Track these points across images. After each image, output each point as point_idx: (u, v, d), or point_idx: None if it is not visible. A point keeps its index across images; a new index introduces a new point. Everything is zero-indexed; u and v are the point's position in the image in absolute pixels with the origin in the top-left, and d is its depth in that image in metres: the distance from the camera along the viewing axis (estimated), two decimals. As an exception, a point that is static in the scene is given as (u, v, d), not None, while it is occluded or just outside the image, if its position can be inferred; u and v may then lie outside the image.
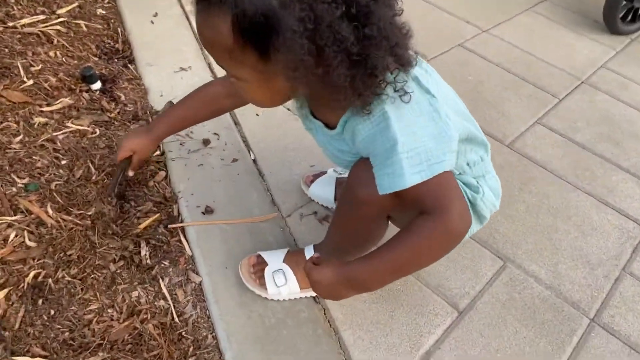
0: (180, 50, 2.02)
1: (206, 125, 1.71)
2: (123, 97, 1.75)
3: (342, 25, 0.76)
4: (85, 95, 1.71)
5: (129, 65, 1.91)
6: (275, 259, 1.30)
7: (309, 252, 1.29)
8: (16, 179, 1.39)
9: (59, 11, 2.04)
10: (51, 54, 1.81)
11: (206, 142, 1.66)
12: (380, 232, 1.18)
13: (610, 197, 1.82)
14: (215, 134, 1.70)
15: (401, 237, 0.92)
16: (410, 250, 0.91)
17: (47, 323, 1.17)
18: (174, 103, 1.43)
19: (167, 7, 2.26)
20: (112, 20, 2.10)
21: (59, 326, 1.17)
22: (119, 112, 1.70)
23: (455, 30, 2.62)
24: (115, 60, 1.93)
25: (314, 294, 1.31)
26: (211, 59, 2.02)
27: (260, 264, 1.31)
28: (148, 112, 1.73)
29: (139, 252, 1.35)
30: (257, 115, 1.82)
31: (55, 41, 1.87)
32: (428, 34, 2.54)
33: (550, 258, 1.56)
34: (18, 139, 1.49)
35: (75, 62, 1.84)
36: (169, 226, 1.41)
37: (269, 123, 1.79)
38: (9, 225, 1.30)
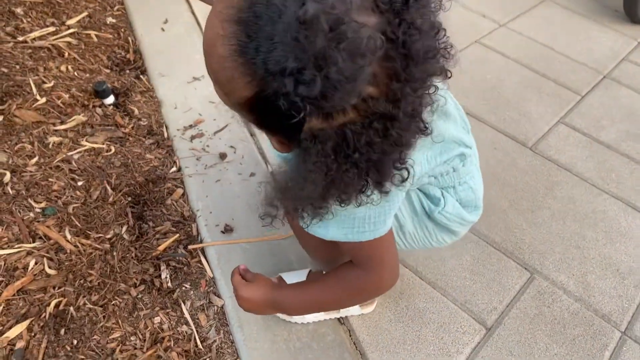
0: (193, 59, 1.99)
1: (222, 139, 1.68)
2: (137, 111, 1.73)
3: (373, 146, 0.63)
4: (99, 110, 1.69)
5: (141, 76, 1.88)
6: (297, 280, 1.28)
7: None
8: (33, 203, 1.37)
9: (69, 22, 2.01)
10: (62, 68, 1.78)
11: (223, 156, 1.63)
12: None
13: (638, 199, 1.76)
14: (231, 147, 1.67)
15: (330, 281, 0.98)
16: (334, 296, 0.98)
17: (71, 354, 1.16)
18: None
19: (178, 13, 2.22)
20: (123, 29, 2.07)
21: (82, 356, 1.16)
22: (133, 127, 1.67)
23: (471, 25, 2.56)
24: (127, 71, 1.90)
25: (338, 316, 1.29)
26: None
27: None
28: (164, 127, 1.70)
29: (160, 275, 1.33)
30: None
31: (66, 54, 1.85)
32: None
33: (578, 268, 1.52)
34: (34, 160, 1.47)
35: (87, 75, 1.81)
36: (189, 247, 1.39)
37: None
38: (29, 253, 1.28)
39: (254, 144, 1.71)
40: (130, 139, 1.64)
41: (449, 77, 0.68)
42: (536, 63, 2.35)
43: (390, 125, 0.60)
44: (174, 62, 1.96)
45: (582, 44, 2.56)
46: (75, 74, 1.80)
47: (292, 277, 1.29)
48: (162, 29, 2.10)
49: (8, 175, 1.40)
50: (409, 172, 0.69)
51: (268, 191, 0.78)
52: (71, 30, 1.96)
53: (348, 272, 0.95)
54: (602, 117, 2.11)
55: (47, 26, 1.95)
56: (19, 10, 1.96)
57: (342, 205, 0.71)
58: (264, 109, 0.59)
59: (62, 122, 1.60)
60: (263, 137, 1.73)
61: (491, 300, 1.40)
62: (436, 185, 1.04)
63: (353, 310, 1.29)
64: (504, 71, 2.27)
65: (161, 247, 1.37)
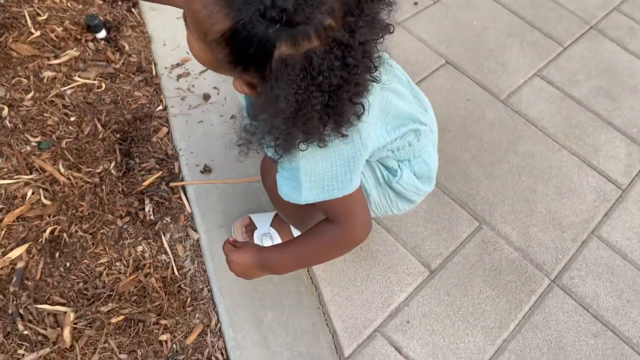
0: (184, -8, 2.03)
1: (206, 79, 1.79)
2: (127, 47, 1.81)
3: (336, 73, 0.74)
4: (91, 45, 1.78)
5: (132, 9, 1.94)
6: (263, 223, 1.44)
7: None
8: (30, 137, 1.51)
9: (62, -54, 2.03)
10: (56, -2, 1.85)
11: (206, 97, 1.74)
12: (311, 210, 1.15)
13: (595, 157, 1.89)
14: (215, 87, 1.77)
15: (308, 237, 1.08)
16: (313, 250, 1.08)
17: (64, 274, 1.35)
18: None
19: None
20: (116, -45, 2.09)
21: (74, 277, 1.35)
22: (123, 63, 1.77)
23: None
24: (120, 3, 1.96)
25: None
26: None
27: (251, 226, 1.45)
28: (152, 64, 1.80)
29: (143, 209, 1.49)
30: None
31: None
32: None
33: (523, 220, 1.68)
34: (29, 95, 1.59)
35: (80, 6, 1.88)
36: (170, 184, 1.54)
37: (268, 75, 1.85)
38: (26, 184, 1.44)
39: (237, 86, 1.81)
40: (121, 75, 1.74)
41: (392, 32, 0.80)
42: (525, 9, 2.37)
43: (347, 53, 0.72)
44: (165, -5, 2.01)
45: (576, -10, 2.55)
46: (69, 4, 1.86)
47: (261, 218, 1.46)
48: (155, -42, 2.12)
49: (6, 109, 1.53)
50: (364, 108, 0.81)
51: (243, 119, 0.91)
52: (64, -45, 1.99)
53: (324, 228, 1.05)
54: (579, 71, 2.18)
55: (41, -49, 1.98)
56: None
57: (308, 140, 0.81)
58: (240, 39, 0.70)
59: (56, 57, 1.70)
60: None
61: (438, 246, 1.58)
62: (393, 159, 1.17)
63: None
64: (491, 17, 2.31)
65: (145, 183, 1.53)
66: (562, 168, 1.83)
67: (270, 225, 1.44)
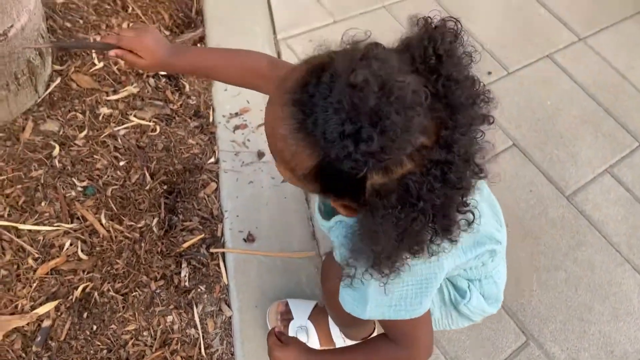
0: (253, 32, 1.96)
1: (263, 134, 1.71)
2: (187, 87, 1.75)
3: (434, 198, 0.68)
4: (151, 81, 1.72)
5: (198, 44, 1.88)
6: (301, 314, 1.37)
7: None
8: (76, 182, 1.46)
9: (138, -34, 1.98)
10: (124, 26, 1.79)
11: (260, 154, 1.67)
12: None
13: (659, 277, 1.76)
14: (271, 145, 1.70)
15: (362, 351, 1.03)
16: None
17: (89, 338, 1.29)
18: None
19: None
20: (189, -18, 2.03)
21: (99, 343, 1.29)
22: (181, 105, 1.71)
23: (549, 33, 2.41)
24: (186, 35, 1.89)
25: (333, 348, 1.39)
26: (281, 48, 1.97)
27: (287, 314, 1.37)
28: (211, 109, 1.73)
29: (179, 273, 1.43)
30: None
31: (129, 9, 1.85)
32: (517, 34, 2.34)
33: (575, 342, 1.56)
34: (83, 133, 1.54)
35: (147, 36, 1.81)
36: (211, 249, 1.48)
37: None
38: (65, 233, 1.39)
39: (293, 146, 1.73)
40: (177, 118, 1.68)
41: (492, 122, 0.74)
42: (603, 94, 2.23)
43: (447, 169, 0.66)
44: (233, 33, 1.94)
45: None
46: (135, 33, 1.80)
47: (299, 307, 1.38)
48: (228, -11, 2.06)
49: (57, 149, 1.48)
50: (474, 215, 0.74)
51: (342, 253, 0.85)
52: (139, -23, 1.94)
53: (382, 345, 1.00)
54: (654, 173, 2.04)
55: (116, -31, 1.93)
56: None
57: (416, 256, 0.75)
58: (328, 174, 0.66)
59: (114, 91, 1.65)
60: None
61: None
62: (464, 277, 1.09)
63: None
64: (567, 99, 2.17)
65: (185, 245, 1.46)
66: (622, 286, 1.71)
67: (308, 318, 1.36)
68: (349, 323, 1.23)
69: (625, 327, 1.63)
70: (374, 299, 0.89)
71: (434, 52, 0.68)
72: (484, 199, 1.04)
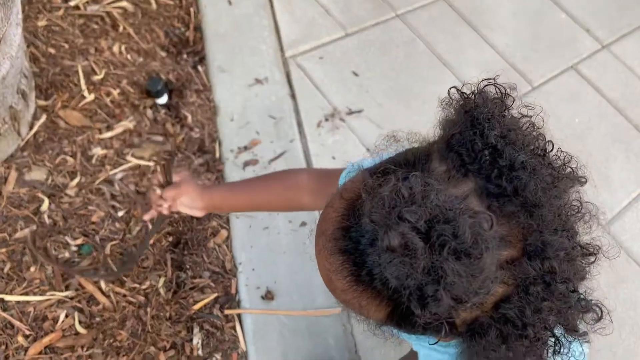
0: (258, 51, 1.77)
1: (277, 169, 1.54)
2: (190, 118, 1.56)
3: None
4: (149, 113, 1.53)
5: (198, 66, 1.69)
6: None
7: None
8: (69, 240, 1.27)
9: (127, -21, 1.77)
10: (115, 49, 1.59)
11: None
12: None
13: None
14: (285, 183, 1.52)
15: None
16: None
17: None
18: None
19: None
20: (185, -5, 1.83)
21: None
22: (183, 139, 1.52)
23: (571, 41, 2.25)
24: (185, 56, 1.70)
25: None
26: (290, 68, 1.79)
27: (316, 386, 1.22)
28: (217, 143, 1.55)
29: (191, 340, 1.26)
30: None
31: (120, 28, 1.64)
32: (539, 43, 2.18)
33: (623, 395, 1.44)
34: (75, 181, 1.35)
35: (141, 60, 1.62)
36: (225, 311, 1.31)
37: (345, 171, 1.60)
38: (60, 302, 1.21)
39: (310, 182, 1.56)
40: (179, 155, 1.50)
41: (585, 182, 0.61)
42: (633, 108, 2.09)
43: (550, 279, 0.52)
44: (237, 52, 1.75)
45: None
46: (129, 57, 1.61)
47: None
48: (229, 2, 1.86)
49: (46, 202, 1.29)
50: (600, 309, 0.60)
51: None
52: (128, -8, 1.73)
53: None
54: (690, 195, 1.91)
55: (103, -17, 1.72)
56: (73, -42, 1.72)
57: None
58: (407, 321, 0.53)
59: (108, 127, 1.46)
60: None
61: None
62: None
63: None
64: (596, 115, 2.03)
65: (196, 307, 1.29)
66: (668, 326, 1.58)
67: (340, 392, 1.21)
68: None
69: (674, 374, 1.50)
70: None
71: (486, 144, 0.52)
72: None
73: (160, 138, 1.50)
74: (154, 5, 1.75)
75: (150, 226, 1.16)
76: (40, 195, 1.30)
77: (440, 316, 0.50)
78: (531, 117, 0.58)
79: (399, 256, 0.48)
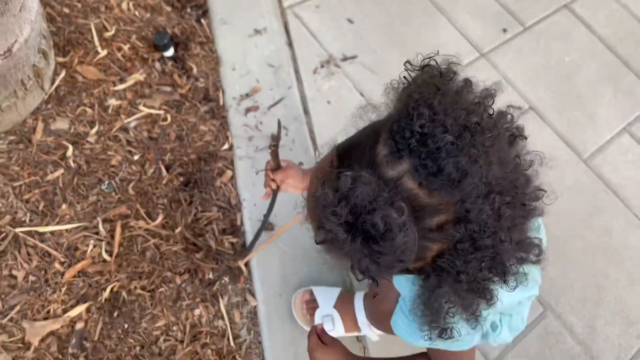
0: (257, 2, 1.88)
1: (275, 115, 1.68)
2: (195, 69, 1.70)
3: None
4: (157, 66, 1.67)
5: (202, 19, 1.81)
6: (326, 302, 1.40)
7: (359, 301, 1.38)
8: (93, 181, 1.45)
9: None
10: (124, 6, 1.73)
11: (274, 138, 1.64)
12: None
13: (676, 239, 1.76)
14: (284, 127, 1.67)
15: None
16: None
17: (122, 337, 1.34)
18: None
19: None
20: (188, -51, 1.93)
21: (131, 340, 1.34)
22: (190, 89, 1.67)
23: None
24: (189, 10, 1.82)
25: (358, 334, 1.43)
26: (288, 18, 1.90)
27: (313, 302, 1.41)
28: (220, 91, 1.69)
29: (204, 266, 1.45)
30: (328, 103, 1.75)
31: (128, -15, 1.77)
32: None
33: (591, 310, 1.60)
34: (94, 129, 1.52)
35: (149, 15, 1.75)
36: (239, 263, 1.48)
37: (339, 114, 1.74)
38: (87, 236, 1.40)
39: (306, 125, 1.71)
40: (187, 103, 1.65)
41: (526, 139, 0.73)
42: (624, 45, 2.15)
43: (477, 237, 0.64)
44: (238, 4, 1.86)
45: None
46: (136, 13, 1.74)
47: (324, 296, 1.41)
48: (230, -45, 1.95)
49: (70, 149, 1.46)
50: (540, 249, 0.73)
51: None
52: (134, -52, 1.84)
53: None
54: (674, 128, 2.00)
55: (110, -59, 1.83)
56: None
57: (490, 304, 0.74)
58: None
59: (121, 80, 1.61)
60: (317, 119, 1.72)
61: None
62: (498, 311, 1.11)
63: (371, 335, 1.42)
64: (586, 53, 2.10)
65: (209, 242, 1.48)
66: (639, 249, 1.72)
67: (334, 307, 1.39)
68: (380, 326, 1.26)
69: (641, 292, 1.66)
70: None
71: (413, 132, 0.61)
72: None
73: (168, 88, 1.65)
74: (158, -38, 1.86)
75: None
76: (64, 142, 1.47)
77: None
78: (473, 86, 0.68)
79: (329, 246, 0.64)
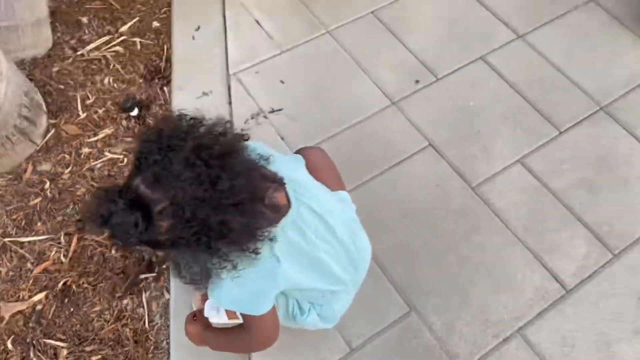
0: (206, 71, 2.42)
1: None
2: (152, 123, 2.26)
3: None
4: (124, 122, 2.25)
5: (164, 87, 2.38)
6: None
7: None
8: (62, 207, 2.02)
9: (122, 29, 2.52)
10: (105, 81, 2.34)
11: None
12: None
13: (548, 254, 1.97)
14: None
15: (233, 334, 1.51)
16: (233, 344, 1.54)
17: (68, 317, 1.85)
18: None
19: (213, 14, 2.61)
20: (162, 35, 2.54)
21: (74, 319, 1.84)
22: (146, 139, 2.22)
23: (486, 34, 2.59)
24: (156, 80, 2.40)
25: (239, 322, 1.83)
26: (232, 82, 2.41)
27: (206, 295, 1.84)
28: (167, 140, 2.23)
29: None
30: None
31: (111, 65, 2.39)
32: (453, 40, 2.56)
33: (454, 312, 1.86)
34: (68, 169, 2.10)
35: (124, 86, 2.36)
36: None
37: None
38: (52, 245, 1.95)
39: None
40: (142, 150, 2.19)
41: (248, 139, 1.30)
42: (533, 89, 2.39)
43: (189, 218, 1.02)
44: (193, 74, 2.42)
45: (602, 61, 2.49)
46: (115, 85, 2.35)
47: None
48: (193, 37, 2.54)
49: (48, 183, 2.06)
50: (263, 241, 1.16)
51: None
52: (122, 38, 2.48)
53: (240, 332, 1.48)
54: (568, 159, 2.21)
55: (104, 35, 2.48)
56: (84, 19, 2.50)
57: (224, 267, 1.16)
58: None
59: (94, 134, 2.20)
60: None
61: (365, 327, 1.83)
62: (308, 300, 1.52)
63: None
64: (493, 98, 2.38)
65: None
66: (511, 263, 1.96)
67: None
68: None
69: (504, 298, 1.89)
70: (227, 299, 1.30)
71: (140, 162, 1.05)
72: (344, 247, 1.44)
73: (130, 139, 2.22)
74: (138, 46, 2.48)
75: None
76: (45, 179, 2.07)
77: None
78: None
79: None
